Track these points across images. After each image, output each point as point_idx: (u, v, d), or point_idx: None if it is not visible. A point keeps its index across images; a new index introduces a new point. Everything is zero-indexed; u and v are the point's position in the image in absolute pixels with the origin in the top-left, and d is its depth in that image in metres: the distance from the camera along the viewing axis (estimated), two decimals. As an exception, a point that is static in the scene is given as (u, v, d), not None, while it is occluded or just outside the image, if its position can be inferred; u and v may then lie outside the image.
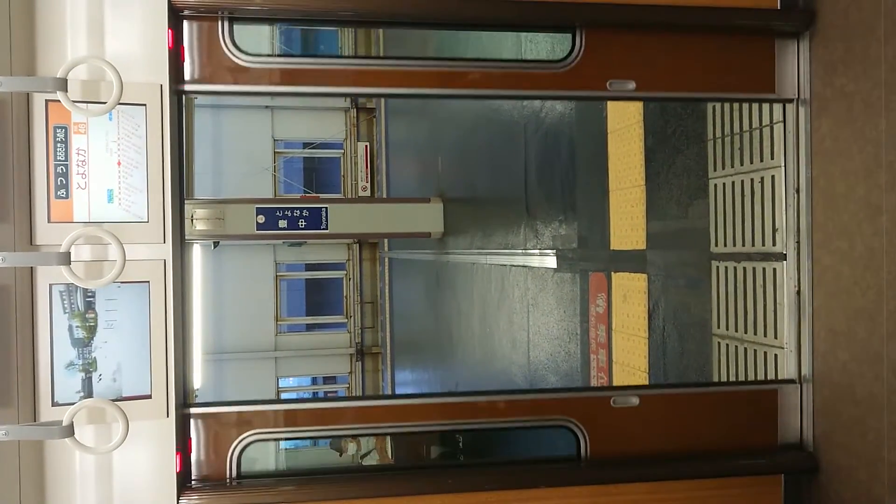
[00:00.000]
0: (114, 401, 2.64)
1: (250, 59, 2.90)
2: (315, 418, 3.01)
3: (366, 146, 18.57)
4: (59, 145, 2.67)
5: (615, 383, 5.68)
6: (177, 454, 2.76)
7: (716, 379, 4.40)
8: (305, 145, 19.43)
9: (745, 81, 3.16)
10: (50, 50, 2.66)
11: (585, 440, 3.07)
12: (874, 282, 2.81)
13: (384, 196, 17.68)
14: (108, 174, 2.70)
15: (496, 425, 3.15)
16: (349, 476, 3.01)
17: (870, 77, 2.82)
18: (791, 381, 3.20)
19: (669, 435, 3.12)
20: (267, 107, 18.23)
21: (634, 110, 5.41)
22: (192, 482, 2.87)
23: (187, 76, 2.86)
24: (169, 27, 2.74)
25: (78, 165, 2.68)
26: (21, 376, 2.60)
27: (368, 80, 3.01)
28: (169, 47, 2.74)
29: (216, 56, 2.88)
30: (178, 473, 2.76)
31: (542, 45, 6.93)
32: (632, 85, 3.06)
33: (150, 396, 2.73)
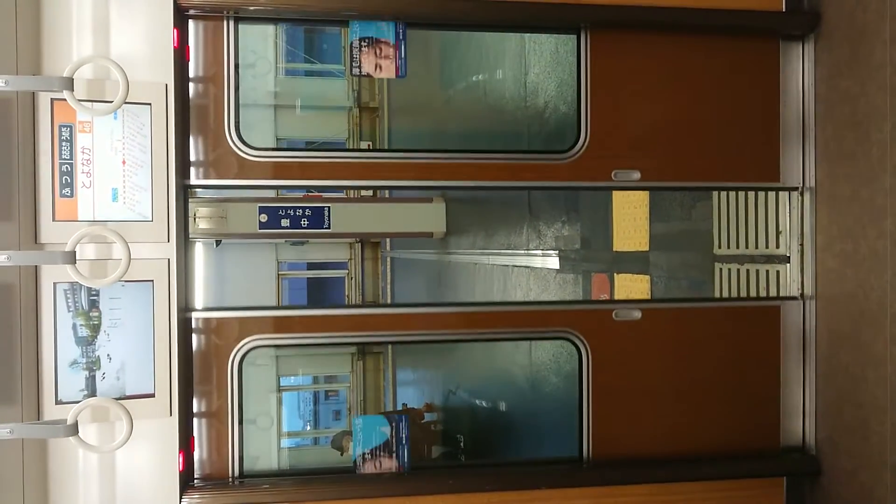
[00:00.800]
0: (117, 399, 2.64)
1: (256, 153, 2.93)
2: (314, 325, 3.02)
3: (368, 145, 18.55)
4: (64, 144, 2.67)
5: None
6: (180, 453, 2.76)
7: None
8: (308, 144, 19.44)
9: (749, 169, 3.20)
10: (56, 49, 2.67)
11: (587, 353, 3.10)
12: (878, 284, 2.80)
13: (386, 196, 17.65)
14: (112, 173, 2.71)
15: (498, 336, 3.20)
16: (350, 476, 3.02)
17: (875, 79, 2.81)
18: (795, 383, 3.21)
19: (670, 349, 3.15)
20: (270, 106, 18.22)
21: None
22: (195, 481, 2.88)
23: (193, 174, 2.89)
24: (174, 26, 2.74)
25: (83, 164, 2.68)
26: (25, 374, 2.60)
27: (374, 174, 3.04)
28: (174, 47, 2.75)
29: (223, 150, 2.91)
30: (180, 472, 2.77)
31: (545, 45, 6.92)
32: (637, 175, 3.08)
33: (153, 395, 2.73)
